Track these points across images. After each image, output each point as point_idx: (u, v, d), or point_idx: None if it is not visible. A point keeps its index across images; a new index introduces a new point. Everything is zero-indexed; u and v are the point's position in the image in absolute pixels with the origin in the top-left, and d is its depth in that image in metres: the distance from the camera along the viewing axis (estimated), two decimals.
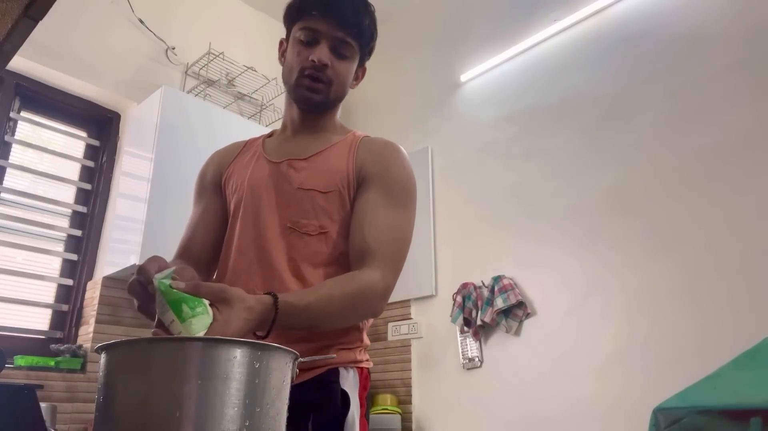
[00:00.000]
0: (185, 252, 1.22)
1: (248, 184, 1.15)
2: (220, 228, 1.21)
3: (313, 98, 1.12)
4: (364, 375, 1.10)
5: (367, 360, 1.12)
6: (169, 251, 2.52)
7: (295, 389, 0.85)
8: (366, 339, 1.13)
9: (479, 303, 2.58)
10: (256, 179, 1.15)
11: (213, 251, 1.20)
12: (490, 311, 2.51)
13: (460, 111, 3.07)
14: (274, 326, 0.88)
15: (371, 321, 1.16)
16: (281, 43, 1.19)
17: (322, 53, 1.09)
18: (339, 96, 1.15)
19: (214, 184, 1.24)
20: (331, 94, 1.13)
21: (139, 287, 0.92)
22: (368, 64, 1.24)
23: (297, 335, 1.00)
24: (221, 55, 2.99)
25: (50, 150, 2.67)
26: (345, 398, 1.02)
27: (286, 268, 1.06)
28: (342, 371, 1.04)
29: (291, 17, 1.14)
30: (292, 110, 1.19)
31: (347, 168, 1.10)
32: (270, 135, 1.26)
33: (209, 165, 1.28)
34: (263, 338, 0.87)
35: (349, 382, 1.04)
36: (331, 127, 1.19)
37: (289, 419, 0.85)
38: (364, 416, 1.07)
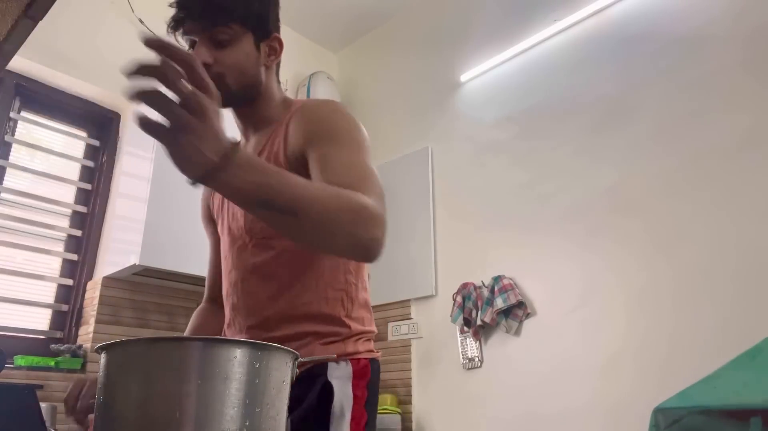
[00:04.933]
0: (210, 294, 1.28)
1: (221, 202, 1.16)
2: None
3: None
4: (362, 365, 1.05)
5: (368, 351, 1.08)
6: (169, 251, 2.53)
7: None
8: (358, 327, 1.07)
9: (479, 303, 2.58)
10: (219, 200, 1.16)
11: None
12: (490, 311, 2.51)
13: (460, 111, 3.07)
14: (229, 170, 0.69)
15: (365, 315, 1.10)
16: None
17: (199, 53, 1.00)
18: (243, 83, 1.05)
19: (207, 212, 1.26)
20: (231, 85, 1.03)
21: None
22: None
23: (275, 322, 1.00)
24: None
25: (50, 150, 2.67)
26: (329, 390, 0.99)
27: (256, 280, 1.05)
28: (331, 364, 1.01)
29: (174, 35, 1.05)
30: (232, 117, 1.13)
31: (283, 151, 1.04)
32: None
33: (203, 196, 1.30)
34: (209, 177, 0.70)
35: (341, 373, 1.01)
36: (273, 115, 1.11)
37: None
38: (364, 406, 1.04)
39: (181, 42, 1.03)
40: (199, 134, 0.67)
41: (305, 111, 1.07)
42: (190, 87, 0.68)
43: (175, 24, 1.03)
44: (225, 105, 1.04)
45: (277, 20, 1.13)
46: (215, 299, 1.26)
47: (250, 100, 1.09)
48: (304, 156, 0.99)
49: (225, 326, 1.15)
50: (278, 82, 1.16)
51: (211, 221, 1.25)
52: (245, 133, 1.16)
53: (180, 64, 0.68)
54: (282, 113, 1.11)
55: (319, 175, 0.93)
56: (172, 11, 1.04)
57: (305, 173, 0.95)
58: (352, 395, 1.01)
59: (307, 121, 1.03)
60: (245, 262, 1.06)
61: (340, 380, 1.01)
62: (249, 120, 1.13)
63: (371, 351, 1.09)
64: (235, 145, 0.70)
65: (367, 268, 1.15)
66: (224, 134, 0.69)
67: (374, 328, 1.13)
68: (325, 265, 1.04)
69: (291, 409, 0.93)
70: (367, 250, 0.83)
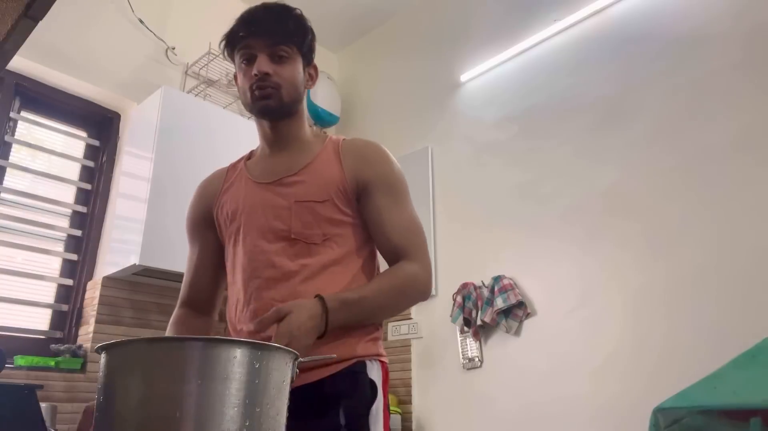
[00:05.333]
0: (187, 300, 1.32)
1: (244, 208, 1.21)
2: (217, 264, 1.29)
3: (269, 104, 1.17)
4: (385, 369, 1.16)
5: (385, 356, 1.19)
6: (169, 251, 2.53)
7: (327, 380, 1.04)
8: (379, 329, 1.19)
9: (479, 303, 2.58)
10: (250, 203, 1.20)
11: (214, 288, 1.31)
12: (490, 311, 2.51)
13: (460, 111, 3.07)
14: (328, 323, 1.01)
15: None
16: (235, 76, 1.27)
17: (261, 64, 1.16)
18: (293, 97, 1.20)
19: (205, 219, 1.30)
20: (284, 96, 1.18)
21: None
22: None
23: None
24: (221, 55, 2.98)
25: (50, 150, 2.67)
26: (373, 387, 1.09)
27: (298, 279, 1.12)
28: (368, 363, 1.11)
29: (229, 49, 1.22)
30: (262, 127, 1.25)
31: (339, 176, 1.18)
32: (249, 157, 1.33)
33: (196, 201, 1.34)
34: (321, 337, 1.01)
35: (375, 374, 1.12)
36: (304, 136, 1.26)
37: (321, 409, 1.02)
38: (387, 408, 1.13)
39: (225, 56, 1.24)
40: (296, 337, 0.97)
41: (363, 150, 1.24)
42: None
43: (239, 39, 1.18)
44: (273, 114, 1.20)
45: (314, 52, 1.29)
46: (191, 304, 1.30)
47: (291, 115, 1.23)
48: (361, 190, 1.19)
49: (232, 328, 1.20)
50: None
51: (207, 227, 1.29)
52: (274, 145, 1.25)
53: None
54: (315, 138, 1.27)
55: (382, 227, 1.17)
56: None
57: (355, 199, 1.19)
58: (383, 396, 1.12)
59: (369, 163, 1.21)
60: (289, 263, 1.13)
61: (377, 380, 1.11)
62: (282, 134, 1.24)
63: (385, 356, 1.21)
64: (324, 313, 1.02)
65: None
66: (310, 322, 0.99)
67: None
68: (363, 270, 1.19)
69: (335, 403, 1.04)
70: (419, 301, 1.19)
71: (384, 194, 1.19)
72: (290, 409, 0.75)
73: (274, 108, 1.18)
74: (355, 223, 1.18)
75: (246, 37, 1.18)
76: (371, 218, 1.18)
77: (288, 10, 1.21)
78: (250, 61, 1.18)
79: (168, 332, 1.29)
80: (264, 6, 1.21)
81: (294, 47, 1.20)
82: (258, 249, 1.16)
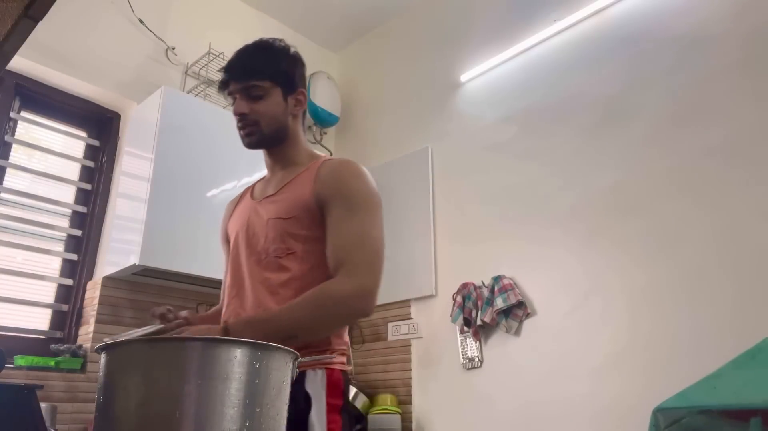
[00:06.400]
0: (220, 301, 1.44)
1: (240, 224, 1.34)
2: None
3: (251, 140, 1.30)
4: (336, 376, 1.19)
5: (342, 363, 1.22)
6: (169, 251, 2.53)
7: None
8: (339, 344, 1.23)
9: (479, 303, 2.58)
10: (244, 219, 1.33)
11: None
12: (490, 311, 2.51)
13: (460, 111, 3.07)
14: (232, 334, 1.04)
15: (343, 332, 1.26)
16: None
17: (237, 106, 1.28)
18: (274, 128, 1.30)
19: (225, 234, 1.45)
20: (264, 130, 1.29)
21: None
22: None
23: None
24: (221, 55, 2.98)
25: (50, 150, 2.67)
26: (307, 399, 1.13)
27: (263, 292, 1.21)
28: (309, 373, 1.15)
29: (223, 94, 1.34)
30: (264, 153, 1.39)
31: (308, 193, 1.24)
32: (262, 178, 1.45)
33: (224, 215, 1.50)
34: None
35: (316, 383, 1.15)
36: (297, 158, 1.35)
37: None
38: (339, 412, 1.17)
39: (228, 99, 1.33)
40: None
41: (331, 168, 1.27)
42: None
43: (222, 85, 1.31)
44: (258, 146, 1.32)
45: (303, 78, 1.38)
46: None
47: (280, 142, 1.33)
48: (324, 205, 1.22)
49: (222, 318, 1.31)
50: (304, 130, 1.41)
51: (227, 241, 1.44)
52: (272, 168, 1.39)
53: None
54: (307, 160, 1.34)
55: (331, 239, 1.19)
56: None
57: (320, 214, 1.22)
58: (326, 403, 1.15)
59: (334, 179, 1.24)
60: (259, 275, 1.23)
61: (316, 389, 1.15)
62: (277, 158, 1.36)
63: (344, 364, 1.24)
64: (225, 325, 1.11)
65: None
66: (211, 328, 1.12)
67: (347, 343, 1.28)
68: None
69: None
70: (358, 319, 1.23)
71: (339, 208, 1.20)
72: None
73: (256, 143, 1.30)
74: (322, 239, 1.21)
75: (227, 82, 1.30)
76: (326, 233, 1.21)
77: (259, 47, 1.31)
78: (233, 102, 1.30)
79: None
80: (241, 48, 1.32)
81: (268, 81, 1.28)
82: (239, 261, 1.29)
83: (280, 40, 1.35)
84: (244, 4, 3.47)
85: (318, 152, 1.42)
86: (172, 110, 2.57)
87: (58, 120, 2.73)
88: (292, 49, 1.36)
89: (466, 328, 2.63)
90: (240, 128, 1.29)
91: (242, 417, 0.66)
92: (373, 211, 1.22)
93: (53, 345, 2.34)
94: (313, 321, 1.11)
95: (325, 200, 1.22)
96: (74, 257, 2.60)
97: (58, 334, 2.48)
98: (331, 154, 3.48)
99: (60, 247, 2.61)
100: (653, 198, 2.22)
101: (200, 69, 3.03)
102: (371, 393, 2.89)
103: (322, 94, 3.49)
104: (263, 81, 1.27)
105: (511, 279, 2.53)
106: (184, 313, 1.23)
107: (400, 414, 2.72)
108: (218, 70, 1.34)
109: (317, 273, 1.18)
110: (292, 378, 0.77)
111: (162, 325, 1.14)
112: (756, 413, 1.26)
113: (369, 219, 1.20)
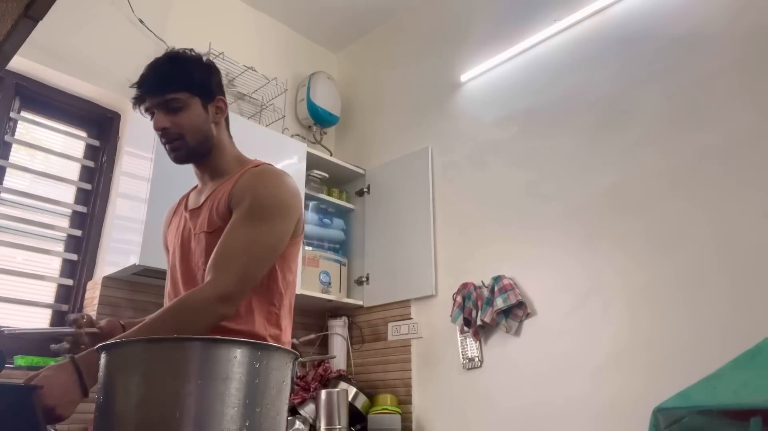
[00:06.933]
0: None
1: (174, 239, 1.36)
2: None
3: (179, 155, 1.30)
4: None
5: None
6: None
7: None
8: (272, 339, 1.23)
9: (479, 303, 2.58)
10: (177, 233, 1.35)
11: None
12: (490, 311, 2.51)
13: (460, 111, 3.07)
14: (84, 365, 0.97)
15: (284, 325, 1.28)
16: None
17: (157, 121, 1.26)
18: (199, 139, 1.29)
19: (165, 242, 1.47)
20: (189, 141, 1.28)
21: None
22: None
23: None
24: (221, 55, 2.98)
25: (50, 150, 2.66)
26: None
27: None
28: None
29: (139, 109, 1.31)
30: (193, 168, 1.38)
31: (224, 204, 1.24)
32: (195, 187, 1.45)
33: (164, 222, 1.51)
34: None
35: None
36: (224, 167, 1.34)
37: None
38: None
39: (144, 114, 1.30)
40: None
41: (247, 176, 1.27)
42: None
43: (137, 101, 1.29)
44: (187, 160, 1.31)
45: (220, 85, 1.36)
46: None
47: (206, 153, 1.32)
48: (231, 213, 1.22)
49: None
50: (230, 136, 1.39)
51: (167, 249, 1.45)
52: (202, 179, 1.38)
53: None
54: (235, 167, 1.34)
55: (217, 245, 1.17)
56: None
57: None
58: None
59: (244, 188, 1.23)
60: (178, 292, 1.28)
61: None
62: (206, 170, 1.36)
63: None
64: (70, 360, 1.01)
65: (290, 300, 1.34)
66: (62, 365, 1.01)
67: (284, 329, 1.29)
68: (254, 299, 1.23)
69: None
70: (210, 320, 1.09)
71: (237, 214, 1.20)
72: None
73: (184, 157, 1.30)
74: None
75: (142, 97, 1.28)
76: None
77: (171, 59, 1.29)
78: (152, 118, 1.28)
79: None
80: (152, 62, 1.30)
81: (184, 92, 1.26)
82: (176, 275, 1.31)
83: (191, 50, 1.34)
84: (244, 4, 3.47)
85: (248, 157, 1.40)
86: None
87: (58, 120, 2.73)
88: (205, 58, 1.35)
89: (466, 328, 2.63)
90: (165, 143, 1.28)
91: (242, 417, 0.66)
92: (272, 219, 1.20)
93: (53, 346, 2.34)
94: (175, 331, 1.06)
95: (234, 208, 1.22)
96: (74, 257, 2.60)
97: None
98: (331, 154, 3.47)
99: (60, 247, 2.61)
100: (653, 197, 2.22)
101: None
102: (371, 393, 2.89)
103: (322, 94, 3.49)
104: (180, 92, 1.25)
105: (511, 279, 2.53)
106: (102, 322, 1.25)
107: (400, 414, 2.72)
108: (130, 86, 1.31)
109: None
110: (292, 378, 0.76)
111: (72, 330, 1.15)
112: (756, 413, 1.26)
113: (263, 227, 1.19)
